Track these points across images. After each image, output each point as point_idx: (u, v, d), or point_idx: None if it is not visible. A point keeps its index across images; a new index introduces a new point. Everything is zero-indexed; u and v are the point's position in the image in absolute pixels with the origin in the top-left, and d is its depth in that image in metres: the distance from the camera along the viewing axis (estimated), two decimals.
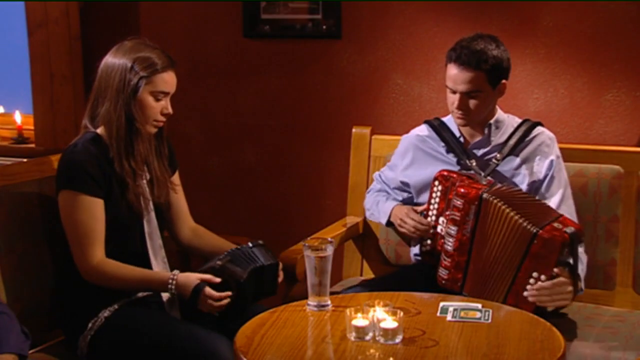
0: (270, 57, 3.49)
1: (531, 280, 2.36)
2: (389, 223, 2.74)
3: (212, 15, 3.54)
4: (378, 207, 2.81)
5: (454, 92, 2.57)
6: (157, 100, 2.40)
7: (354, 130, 3.16)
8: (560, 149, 2.73)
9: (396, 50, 3.29)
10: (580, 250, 2.53)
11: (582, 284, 2.47)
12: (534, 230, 2.35)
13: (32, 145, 3.77)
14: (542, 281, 2.34)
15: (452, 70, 2.56)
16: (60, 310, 2.47)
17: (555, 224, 2.37)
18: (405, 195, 2.80)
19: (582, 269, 2.48)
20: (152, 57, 2.38)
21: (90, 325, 2.35)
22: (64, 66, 3.62)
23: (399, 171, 2.80)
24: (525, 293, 2.36)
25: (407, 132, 2.87)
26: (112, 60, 2.40)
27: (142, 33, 3.51)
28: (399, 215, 2.66)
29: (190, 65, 3.56)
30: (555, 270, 2.34)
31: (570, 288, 2.35)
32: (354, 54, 3.36)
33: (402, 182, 2.79)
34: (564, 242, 2.33)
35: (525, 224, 2.37)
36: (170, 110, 2.43)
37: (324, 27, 3.37)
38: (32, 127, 3.77)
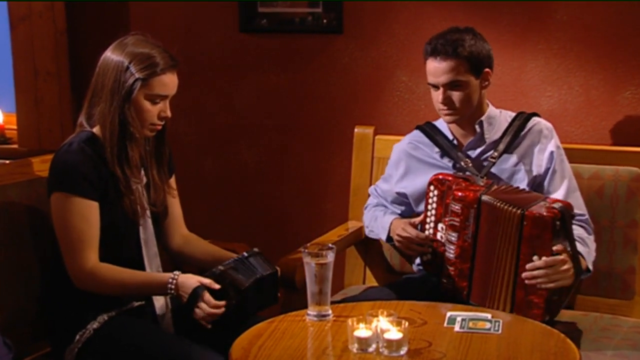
0: (267, 53, 3.50)
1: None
2: (390, 239, 2.75)
3: (206, 8, 3.55)
4: (377, 223, 2.82)
5: (437, 88, 2.60)
6: (154, 103, 2.39)
7: (356, 130, 3.17)
8: (575, 149, 2.74)
9: (401, 46, 3.30)
10: (587, 235, 2.57)
11: (589, 265, 2.50)
12: (520, 212, 2.38)
13: (15, 146, 3.78)
14: None
15: (431, 64, 2.60)
16: (46, 321, 2.47)
17: (542, 203, 2.41)
18: (404, 208, 2.82)
19: (587, 251, 2.52)
20: (152, 57, 2.36)
21: (77, 337, 2.36)
22: (48, 62, 3.62)
23: (394, 182, 2.82)
24: (523, 275, 2.38)
25: (412, 131, 2.88)
26: (110, 56, 2.38)
27: (132, 27, 3.53)
28: (396, 230, 2.68)
29: (184, 62, 3.51)
30: (555, 248, 2.36)
31: (567, 266, 2.36)
32: (356, 49, 3.37)
33: (398, 194, 2.81)
34: (554, 217, 2.35)
35: (510, 208, 2.39)
36: (168, 113, 2.41)
37: (325, 21, 3.39)
38: (14, 127, 3.78)
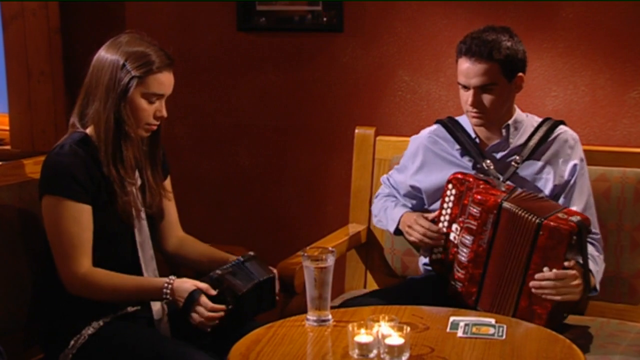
0: (266, 52, 3.50)
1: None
2: (398, 231, 2.74)
3: (203, 6, 3.55)
4: (386, 214, 2.81)
5: (467, 88, 2.58)
6: (150, 102, 2.39)
7: (357, 130, 3.17)
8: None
9: (402, 45, 3.30)
10: (597, 254, 2.56)
11: (597, 284, 2.50)
12: (538, 221, 2.37)
13: (8, 148, 3.78)
14: None
15: (464, 64, 2.57)
16: (39, 326, 2.47)
17: (560, 214, 2.39)
18: (415, 202, 2.81)
19: (596, 270, 2.51)
20: (148, 55, 2.37)
21: (72, 342, 2.35)
22: (42, 62, 3.63)
23: (409, 175, 2.80)
24: (530, 284, 2.38)
25: (414, 132, 2.88)
26: (105, 55, 2.39)
27: (128, 25, 3.52)
28: (407, 222, 2.67)
29: (180, 61, 3.53)
30: (566, 263, 2.35)
31: (577, 281, 2.36)
32: (357, 48, 3.37)
33: (412, 187, 2.80)
34: (571, 230, 2.34)
35: (528, 216, 2.39)
36: (164, 113, 2.42)
37: (325, 19, 3.39)
38: (7, 128, 3.78)
